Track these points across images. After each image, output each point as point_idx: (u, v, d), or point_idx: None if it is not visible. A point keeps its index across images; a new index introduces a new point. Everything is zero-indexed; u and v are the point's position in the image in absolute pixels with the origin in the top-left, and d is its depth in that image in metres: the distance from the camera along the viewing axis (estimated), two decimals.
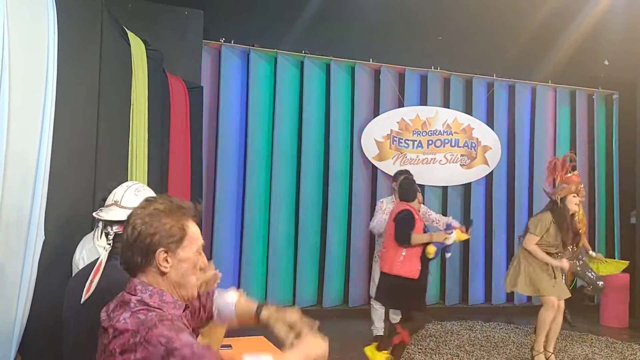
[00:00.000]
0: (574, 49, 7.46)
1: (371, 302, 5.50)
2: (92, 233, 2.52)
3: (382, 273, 4.70)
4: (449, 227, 4.75)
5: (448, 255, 4.85)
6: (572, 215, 5.01)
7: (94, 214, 2.18)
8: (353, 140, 6.91)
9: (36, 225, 2.50)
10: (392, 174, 6.90)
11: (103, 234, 2.16)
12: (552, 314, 4.87)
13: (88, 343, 1.89)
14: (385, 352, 4.58)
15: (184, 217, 1.48)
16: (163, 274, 1.45)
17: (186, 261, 1.47)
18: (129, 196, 2.16)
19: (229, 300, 1.85)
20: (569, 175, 5.67)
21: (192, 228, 1.50)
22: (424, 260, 4.55)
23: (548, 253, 4.85)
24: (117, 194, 2.16)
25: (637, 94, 7.25)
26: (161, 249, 1.43)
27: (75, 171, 2.91)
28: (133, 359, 1.32)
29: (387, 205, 5.54)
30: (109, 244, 2.08)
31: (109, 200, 2.17)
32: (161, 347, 1.31)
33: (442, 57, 7.19)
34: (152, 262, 1.44)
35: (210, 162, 6.26)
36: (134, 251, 1.44)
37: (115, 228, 2.11)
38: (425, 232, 4.64)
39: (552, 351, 5.02)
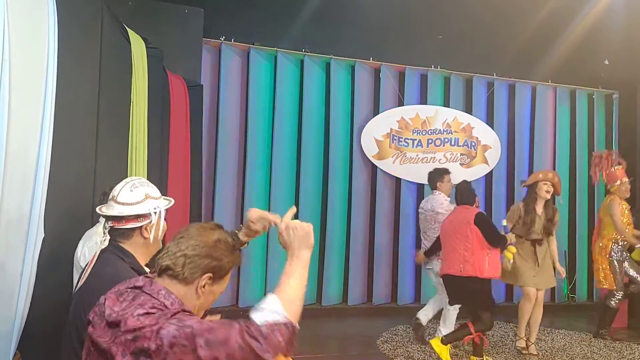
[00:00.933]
0: (574, 48, 7.47)
1: (447, 306, 5.33)
2: (93, 228, 2.53)
3: (464, 277, 4.67)
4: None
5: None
6: (547, 202, 5.22)
7: (97, 209, 2.20)
8: (353, 139, 6.91)
9: (36, 223, 2.50)
10: (392, 173, 6.96)
11: (102, 228, 2.18)
12: (530, 305, 5.17)
13: (69, 334, 1.94)
14: (449, 346, 4.73)
15: (239, 257, 1.64)
16: (197, 296, 1.53)
17: (215, 294, 1.60)
18: (125, 192, 2.16)
19: None
20: (614, 169, 5.86)
21: (231, 271, 1.64)
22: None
23: (528, 240, 5.15)
24: (115, 189, 2.18)
25: (637, 93, 7.26)
26: (211, 274, 1.53)
27: (75, 169, 2.91)
28: (147, 346, 1.34)
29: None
30: (104, 240, 2.10)
31: (110, 196, 2.20)
32: (173, 326, 1.35)
33: (442, 56, 7.19)
34: (194, 282, 1.52)
35: (210, 161, 6.26)
36: (187, 263, 1.50)
37: (110, 223, 2.13)
38: None
39: (533, 341, 5.28)
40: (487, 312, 4.69)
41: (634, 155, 7.32)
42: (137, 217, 2.12)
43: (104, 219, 2.16)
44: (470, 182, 5.26)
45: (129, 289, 1.50)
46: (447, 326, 5.25)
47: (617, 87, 7.88)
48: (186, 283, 1.52)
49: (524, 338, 5.29)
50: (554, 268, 5.39)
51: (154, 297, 1.45)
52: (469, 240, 4.64)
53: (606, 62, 7.86)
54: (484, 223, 4.66)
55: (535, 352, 5.21)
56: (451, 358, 4.74)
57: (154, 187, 2.27)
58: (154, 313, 1.39)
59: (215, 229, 1.60)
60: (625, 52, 7.58)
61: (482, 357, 4.79)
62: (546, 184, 5.18)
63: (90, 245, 2.49)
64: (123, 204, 2.12)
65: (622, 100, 7.88)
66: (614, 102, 7.99)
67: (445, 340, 4.72)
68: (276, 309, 1.48)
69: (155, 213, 2.10)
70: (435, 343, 4.74)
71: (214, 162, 6.30)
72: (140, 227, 2.12)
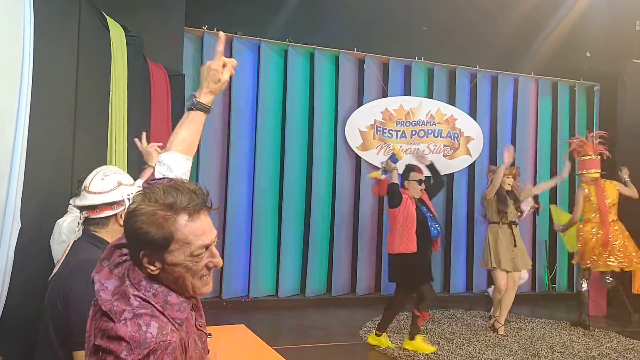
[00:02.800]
0: (556, 41, 7.54)
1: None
2: (63, 218, 2.50)
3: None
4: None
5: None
6: (509, 192, 5.74)
7: (70, 202, 2.18)
8: (337, 130, 6.90)
9: (12, 212, 2.46)
10: (378, 164, 6.96)
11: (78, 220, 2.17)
12: (505, 287, 5.55)
13: (46, 321, 1.93)
14: (419, 336, 4.94)
15: (171, 218, 1.30)
16: (155, 276, 1.33)
17: (178, 265, 1.32)
18: (97, 181, 2.15)
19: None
20: (583, 159, 6.23)
21: (185, 229, 1.31)
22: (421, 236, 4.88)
23: (494, 222, 5.72)
24: (87, 179, 2.17)
25: (617, 85, 7.33)
26: (143, 252, 1.32)
27: (52, 158, 2.87)
28: None
29: None
30: (78, 230, 2.09)
31: (82, 187, 2.18)
32: None
33: (426, 48, 7.20)
34: (141, 263, 1.33)
35: None
36: (129, 242, 1.35)
37: (85, 213, 2.11)
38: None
39: (502, 323, 5.60)
40: (421, 286, 4.88)
41: (614, 146, 7.40)
42: (111, 204, 2.10)
43: (78, 211, 2.14)
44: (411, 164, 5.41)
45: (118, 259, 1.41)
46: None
47: (598, 79, 7.96)
48: (138, 264, 1.35)
49: (502, 323, 5.60)
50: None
51: (135, 288, 1.32)
52: (389, 220, 5.06)
53: (588, 54, 7.94)
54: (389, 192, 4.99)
55: (504, 333, 5.51)
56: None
57: (126, 174, 2.25)
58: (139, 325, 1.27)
59: (144, 197, 1.33)
60: (607, 45, 7.66)
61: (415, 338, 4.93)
62: (508, 177, 5.75)
63: (59, 236, 2.47)
64: (95, 193, 2.11)
65: (603, 92, 7.96)
66: (595, 94, 8.08)
67: (411, 336, 4.95)
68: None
69: (129, 199, 2.06)
70: (408, 343, 4.95)
71: (196, 153, 6.24)
72: (115, 215, 2.11)
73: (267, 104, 6.58)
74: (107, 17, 3.69)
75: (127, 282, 1.33)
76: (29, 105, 2.57)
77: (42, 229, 2.63)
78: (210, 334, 2.69)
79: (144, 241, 1.30)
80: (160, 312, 1.31)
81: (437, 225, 5.03)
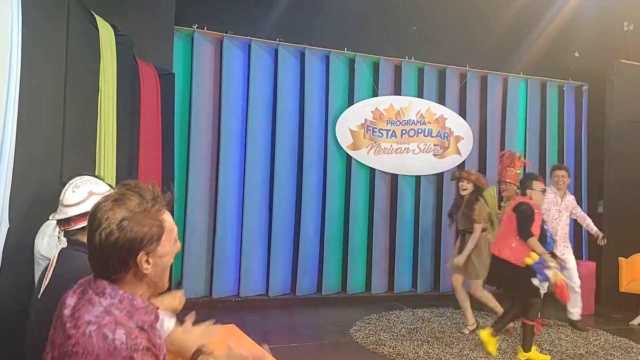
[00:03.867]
0: (545, 41, 7.59)
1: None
2: (39, 240, 2.52)
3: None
4: (562, 268, 5.01)
5: (535, 281, 4.79)
6: (465, 198, 5.60)
7: (50, 217, 2.19)
8: (327, 129, 6.91)
9: (0, 213, 2.45)
10: (366, 164, 6.99)
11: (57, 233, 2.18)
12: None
13: (41, 332, 1.89)
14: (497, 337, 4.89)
15: (159, 210, 1.36)
16: (143, 275, 1.35)
17: (165, 255, 1.39)
18: (68, 194, 2.16)
19: (165, 328, 1.76)
20: (508, 170, 6.13)
21: (168, 219, 1.39)
22: None
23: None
24: (61, 194, 2.18)
25: (606, 85, 7.40)
26: (142, 252, 1.33)
27: (41, 159, 2.86)
28: None
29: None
30: (59, 242, 2.10)
31: (59, 201, 2.19)
32: None
33: (416, 48, 7.23)
34: (131, 267, 1.33)
35: (182, 151, 6.19)
36: (110, 258, 1.32)
37: (61, 227, 2.13)
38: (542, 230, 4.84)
39: (468, 324, 5.63)
40: (532, 298, 4.79)
41: (602, 145, 7.49)
42: (84, 215, 2.07)
43: (52, 229, 2.17)
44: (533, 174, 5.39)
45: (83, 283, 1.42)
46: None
47: (586, 79, 8.02)
48: (125, 273, 1.35)
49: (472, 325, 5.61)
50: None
51: (99, 296, 1.32)
52: (505, 223, 4.94)
53: (576, 54, 8.01)
54: (520, 213, 4.80)
55: (467, 332, 5.55)
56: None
57: (100, 182, 2.24)
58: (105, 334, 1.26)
59: (121, 203, 1.33)
60: (595, 46, 7.73)
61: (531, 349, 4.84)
62: (462, 181, 5.64)
63: (49, 236, 2.46)
64: (68, 206, 2.12)
65: (592, 92, 8.03)
66: (583, 93, 8.14)
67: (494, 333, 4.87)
68: None
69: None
70: (485, 335, 4.87)
71: (186, 153, 6.24)
72: None
73: (257, 103, 6.57)
74: (96, 17, 3.68)
75: (90, 291, 1.34)
76: (17, 105, 2.55)
77: (30, 230, 2.62)
78: None
79: (144, 242, 1.33)
80: (127, 315, 1.31)
81: (550, 240, 4.94)
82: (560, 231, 5.95)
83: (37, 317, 1.96)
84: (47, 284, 1.95)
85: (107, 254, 1.32)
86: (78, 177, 2.25)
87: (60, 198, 2.15)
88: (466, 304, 5.62)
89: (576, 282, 5.91)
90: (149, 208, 1.35)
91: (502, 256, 4.77)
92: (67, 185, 2.19)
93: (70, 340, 1.27)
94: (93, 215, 1.34)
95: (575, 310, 5.94)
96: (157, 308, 1.42)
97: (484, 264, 5.31)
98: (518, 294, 4.87)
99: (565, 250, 5.91)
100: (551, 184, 6.13)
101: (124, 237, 1.30)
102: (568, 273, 5.71)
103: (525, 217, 4.74)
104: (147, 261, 1.35)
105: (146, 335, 1.32)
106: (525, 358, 4.79)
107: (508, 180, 5.88)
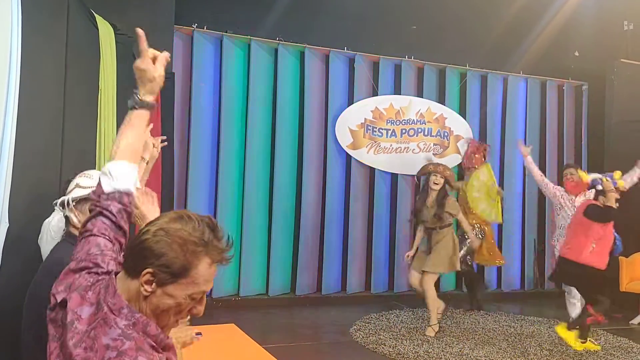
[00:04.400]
0: (545, 40, 7.59)
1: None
2: (50, 217, 2.50)
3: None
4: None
5: None
6: (437, 191, 5.56)
7: (53, 203, 2.23)
8: (327, 129, 6.91)
9: (0, 212, 2.45)
10: (366, 163, 6.99)
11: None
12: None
13: (26, 321, 1.94)
14: (576, 331, 4.96)
15: (201, 254, 1.27)
16: (143, 297, 1.28)
17: (172, 298, 1.27)
18: (70, 186, 2.23)
19: None
20: (475, 158, 6.81)
21: (203, 272, 1.28)
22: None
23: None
24: (71, 183, 2.23)
25: (605, 84, 7.40)
26: (151, 269, 1.25)
27: (40, 157, 2.85)
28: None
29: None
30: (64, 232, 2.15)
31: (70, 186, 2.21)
32: None
33: (416, 47, 7.22)
34: (137, 277, 1.27)
35: (182, 151, 6.19)
36: (132, 253, 1.29)
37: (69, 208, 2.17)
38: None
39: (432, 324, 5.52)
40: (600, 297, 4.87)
41: (602, 145, 7.49)
42: (62, 204, 2.20)
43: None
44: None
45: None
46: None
47: (586, 78, 8.02)
48: (132, 276, 1.29)
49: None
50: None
51: (115, 316, 1.26)
52: (579, 227, 4.96)
53: (576, 53, 8.01)
54: (593, 214, 4.89)
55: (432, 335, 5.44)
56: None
57: (94, 177, 2.22)
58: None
59: (179, 220, 1.29)
60: (595, 45, 7.73)
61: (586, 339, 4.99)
62: (434, 175, 5.55)
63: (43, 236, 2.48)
64: (89, 187, 2.16)
65: (591, 92, 8.03)
66: (583, 93, 8.14)
67: (570, 326, 4.98)
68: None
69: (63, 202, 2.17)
70: (561, 330, 4.97)
71: (186, 152, 6.23)
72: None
73: (257, 102, 6.57)
74: (96, 16, 3.67)
75: (106, 308, 1.27)
76: (17, 104, 2.55)
77: (29, 229, 2.61)
78: (200, 333, 2.70)
79: (161, 262, 1.25)
80: (142, 339, 1.25)
81: (619, 244, 5.10)
82: None
83: (25, 305, 2.02)
84: (39, 269, 2.04)
85: (132, 249, 1.30)
86: (90, 171, 2.31)
87: (76, 184, 2.22)
88: (438, 303, 5.59)
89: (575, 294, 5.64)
90: (192, 242, 1.27)
91: (582, 261, 4.82)
92: (76, 176, 2.26)
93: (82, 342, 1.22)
94: (151, 221, 1.33)
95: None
96: (169, 338, 1.34)
97: (450, 259, 5.48)
98: (593, 292, 4.94)
99: None
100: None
101: (148, 243, 1.26)
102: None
103: (599, 213, 4.88)
104: (149, 283, 1.26)
105: (165, 355, 1.29)
106: (581, 348, 4.94)
107: (476, 167, 6.76)
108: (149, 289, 1.27)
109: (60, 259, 1.84)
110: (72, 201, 2.14)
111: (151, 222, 1.31)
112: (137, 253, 1.27)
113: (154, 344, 1.27)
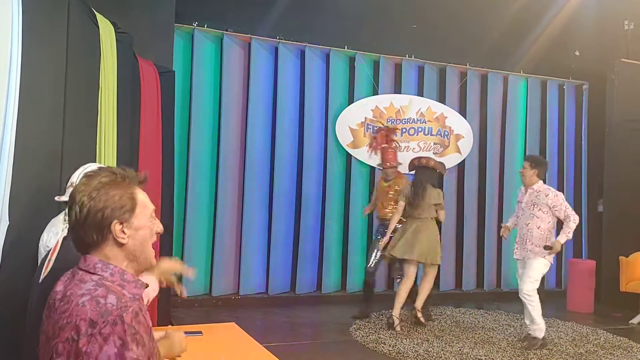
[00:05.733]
0: (546, 40, 7.59)
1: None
2: (57, 216, 2.49)
3: None
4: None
5: None
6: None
7: (55, 197, 2.16)
8: (328, 128, 6.90)
9: (0, 210, 2.45)
10: (366, 162, 6.98)
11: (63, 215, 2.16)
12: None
13: (38, 320, 1.89)
14: None
15: (131, 185, 1.45)
16: (121, 245, 1.41)
17: (142, 228, 1.45)
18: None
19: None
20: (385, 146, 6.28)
21: (141, 195, 1.47)
22: None
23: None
24: (74, 175, 2.14)
25: (606, 84, 7.40)
26: (115, 220, 1.40)
27: (41, 155, 2.85)
28: (84, 350, 1.26)
29: None
30: (65, 227, 2.07)
31: (68, 183, 2.16)
32: (114, 348, 1.26)
33: (416, 46, 7.22)
34: (108, 236, 1.40)
35: (182, 148, 6.18)
36: (87, 229, 1.39)
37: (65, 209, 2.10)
38: None
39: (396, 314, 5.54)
40: None
41: (602, 144, 7.49)
42: None
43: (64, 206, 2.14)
44: None
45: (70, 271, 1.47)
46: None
47: (587, 78, 8.03)
48: (105, 245, 1.41)
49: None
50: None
51: (90, 272, 1.38)
52: None
53: (577, 53, 8.00)
54: None
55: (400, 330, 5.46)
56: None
57: None
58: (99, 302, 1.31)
59: (92, 178, 1.42)
60: (595, 44, 7.73)
61: None
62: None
63: (55, 232, 2.45)
64: None
65: (592, 91, 8.03)
66: (583, 92, 8.14)
67: None
68: None
69: None
70: None
71: (186, 151, 6.23)
72: None
73: (257, 101, 6.56)
74: (96, 14, 3.66)
75: (80, 272, 1.40)
76: (17, 102, 2.55)
77: (30, 227, 2.62)
78: (201, 332, 2.69)
79: (116, 209, 1.40)
80: (118, 287, 1.37)
81: None
82: (520, 231, 5.18)
83: (37, 303, 1.95)
84: (50, 269, 1.94)
85: (83, 226, 1.39)
86: (94, 164, 2.25)
87: (72, 180, 2.13)
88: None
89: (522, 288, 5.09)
90: (119, 180, 1.43)
91: None
92: (82, 168, 2.18)
93: (63, 314, 1.31)
94: (71, 196, 1.43)
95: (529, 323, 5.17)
96: (147, 285, 1.48)
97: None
98: None
99: (525, 254, 5.09)
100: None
101: (95, 207, 1.38)
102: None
103: None
104: (123, 231, 1.41)
105: (137, 304, 1.36)
106: None
107: (389, 164, 6.07)
108: (125, 235, 1.41)
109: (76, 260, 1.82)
110: None
111: (73, 198, 1.41)
112: (92, 222, 1.39)
113: (130, 295, 1.38)
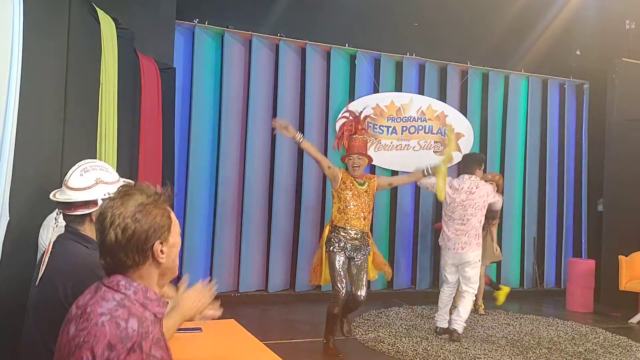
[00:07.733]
0: (547, 39, 7.58)
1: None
2: (52, 214, 2.48)
3: None
4: None
5: None
6: None
7: (50, 195, 2.12)
8: (328, 125, 6.89)
9: (0, 206, 2.44)
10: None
11: (55, 213, 2.11)
12: None
13: (36, 321, 1.88)
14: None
15: (164, 204, 1.45)
16: (159, 264, 1.42)
17: (175, 245, 1.46)
18: (75, 177, 2.05)
19: None
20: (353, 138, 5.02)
21: (172, 212, 1.48)
22: None
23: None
24: (68, 173, 2.09)
25: (607, 83, 7.39)
26: (158, 241, 1.39)
27: (41, 152, 2.84)
28: None
29: None
30: (56, 225, 2.02)
31: (63, 180, 2.12)
32: None
33: (417, 44, 7.21)
34: (149, 257, 1.39)
35: (182, 146, 6.18)
36: (129, 251, 1.36)
37: (60, 210, 2.04)
38: None
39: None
40: None
41: (602, 143, 7.49)
42: (86, 203, 2.00)
43: (57, 205, 2.07)
44: None
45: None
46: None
47: (588, 77, 8.02)
48: (143, 265, 1.39)
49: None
50: None
51: (113, 289, 1.35)
52: None
53: (578, 52, 7.99)
54: None
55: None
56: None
57: (110, 170, 2.15)
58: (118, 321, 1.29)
59: (130, 197, 1.40)
60: (597, 44, 7.72)
61: None
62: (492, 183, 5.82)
63: (48, 230, 2.44)
64: (72, 189, 2.02)
65: (593, 91, 8.03)
66: (584, 91, 8.14)
67: None
68: None
69: (103, 199, 1.88)
70: None
71: (187, 147, 6.22)
72: (90, 214, 1.99)
73: (257, 98, 6.55)
74: (97, 10, 3.65)
75: (103, 288, 1.37)
76: (18, 98, 2.54)
77: (30, 223, 2.61)
78: (200, 329, 2.70)
79: (158, 229, 1.39)
80: (141, 307, 1.35)
81: None
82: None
83: (34, 305, 1.93)
84: (44, 271, 1.90)
85: (125, 249, 1.36)
86: (89, 161, 2.15)
87: (66, 178, 2.05)
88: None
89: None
90: (156, 199, 1.42)
91: None
92: (76, 166, 2.08)
93: (82, 332, 1.28)
94: (103, 215, 1.37)
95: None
96: (167, 302, 1.48)
97: None
98: None
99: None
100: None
101: (140, 229, 1.36)
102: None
103: None
104: (162, 250, 1.41)
105: (158, 328, 1.35)
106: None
107: (357, 151, 4.93)
108: (163, 255, 1.41)
109: (79, 262, 1.81)
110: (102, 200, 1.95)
111: (109, 219, 1.37)
112: (135, 244, 1.36)
113: (152, 316, 1.37)
